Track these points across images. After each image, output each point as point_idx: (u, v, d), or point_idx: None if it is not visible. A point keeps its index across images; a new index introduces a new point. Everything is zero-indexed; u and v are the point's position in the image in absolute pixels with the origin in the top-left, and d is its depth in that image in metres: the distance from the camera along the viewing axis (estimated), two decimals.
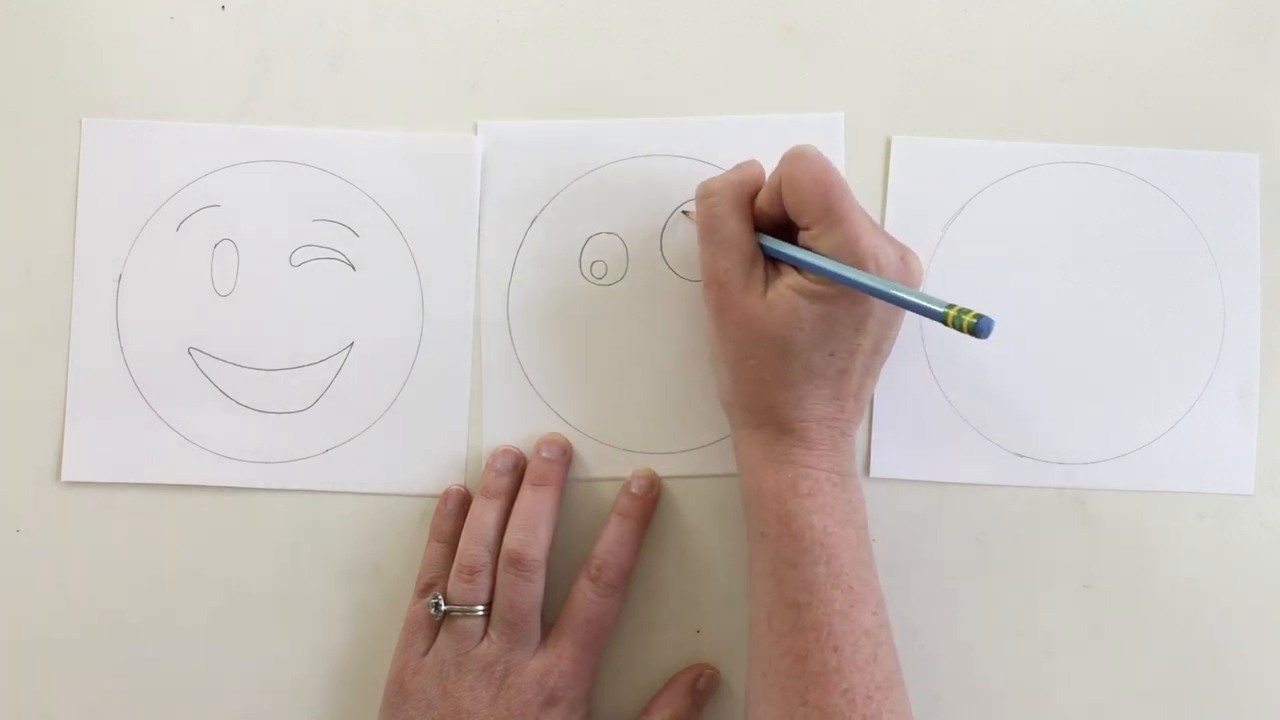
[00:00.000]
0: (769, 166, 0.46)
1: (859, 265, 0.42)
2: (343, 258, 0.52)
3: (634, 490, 0.50)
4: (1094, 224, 0.52)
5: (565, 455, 0.50)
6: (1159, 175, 0.52)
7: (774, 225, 0.46)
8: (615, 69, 0.52)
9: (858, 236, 0.42)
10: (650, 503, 0.50)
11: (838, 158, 0.51)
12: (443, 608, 0.47)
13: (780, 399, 0.44)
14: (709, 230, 0.45)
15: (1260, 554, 0.51)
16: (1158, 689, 0.51)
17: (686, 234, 0.51)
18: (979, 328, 0.38)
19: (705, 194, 0.46)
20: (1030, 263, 0.52)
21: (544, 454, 0.50)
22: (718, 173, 0.48)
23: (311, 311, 0.51)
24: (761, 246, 0.45)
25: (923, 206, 0.52)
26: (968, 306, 0.38)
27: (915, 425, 0.51)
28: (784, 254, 0.44)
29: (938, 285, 0.51)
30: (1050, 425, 0.51)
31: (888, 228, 0.51)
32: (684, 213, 0.51)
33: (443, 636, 0.47)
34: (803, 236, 0.44)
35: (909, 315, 0.46)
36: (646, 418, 0.51)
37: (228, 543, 0.51)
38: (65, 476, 0.51)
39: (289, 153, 0.52)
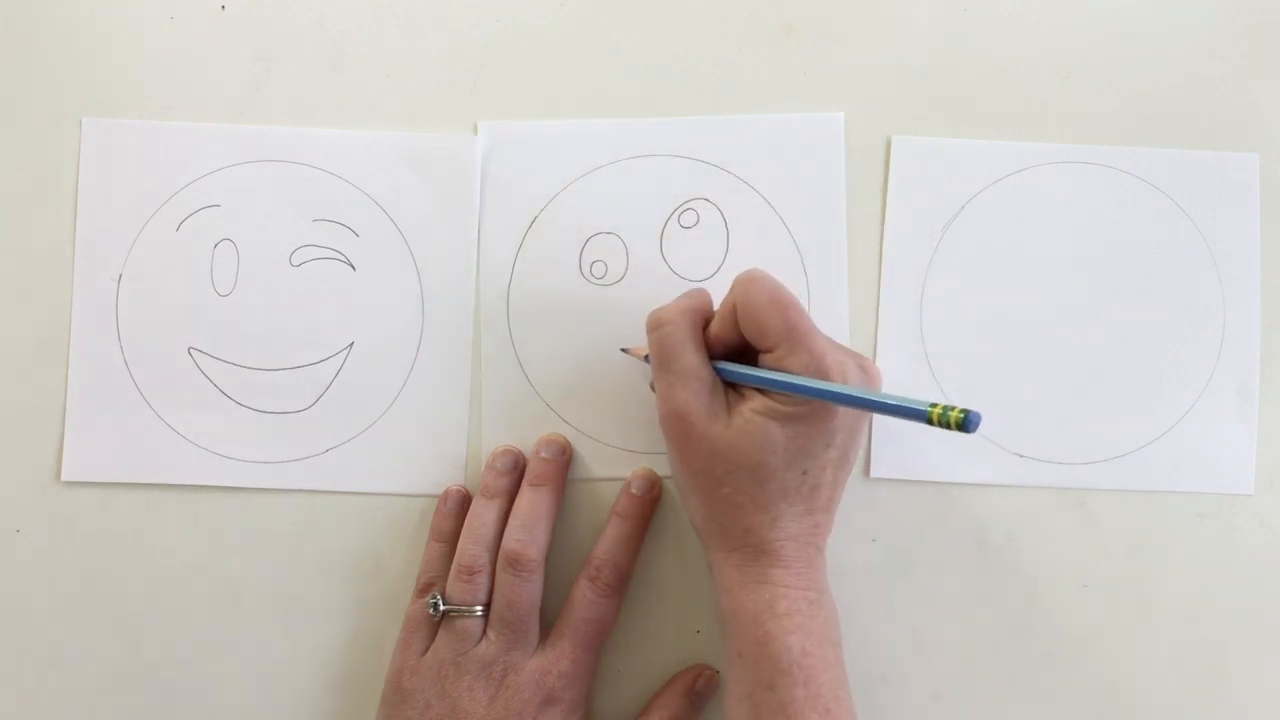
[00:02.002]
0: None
1: (826, 379, 0.42)
2: (343, 258, 0.52)
3: (634, 491, 0.50)
4: (1094, 224, 0.52)
5: (565, 455, 0.50)
6: (1159, 175, 0.52)
7: (729, 352, 0.45)
8: (615, 69, 0.52)
9: (822, 354, 0.42)
10: (650, 503, 0.50)
11: (838, 158, 0.51)
12: (442, 607, 0.47)
13: (756, 521, 0.44)
14: (663, 361, 0.45)
15: (1260, 554, 0.51)
16: (1158, 689, 0.51)
17: (683, 240, 0.51)
18: (966, 423, 0.37)
19: (657, 324, 0.45)
20: (1030, 263, 0.52)
21: (543, 454, 0.50)
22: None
23: (311, 311, 0.51)
24: (721, 373, 0.45)
25: (923, 206, 0.52)
26: (951, 404, 0.38)
27: (915, 425, 0.51)
28: (752, 377, 0.44)
29: (938, 286, 0.51)
30: (1050, 425, 0.51)
31: (888, 228, 0.51)
32: (622, 350, 0.50)
33: (441, 636, 0.47)
34: (765, 359, 0.43)
35: (875, 418, 0.46)
36: (646, 418, 0.51)
37: (228, 543, 0.51)
38: (65, 476, 0.51)
39: (289, 153, 0.52)
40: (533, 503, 0.48)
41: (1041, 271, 0.51)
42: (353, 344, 0.51)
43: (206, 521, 0.51)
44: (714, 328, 0.45)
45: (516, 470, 0.50)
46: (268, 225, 0.51)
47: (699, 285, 0.48)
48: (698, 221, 0.51)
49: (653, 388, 0.46)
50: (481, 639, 0.47)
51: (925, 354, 0.51)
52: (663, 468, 0.51)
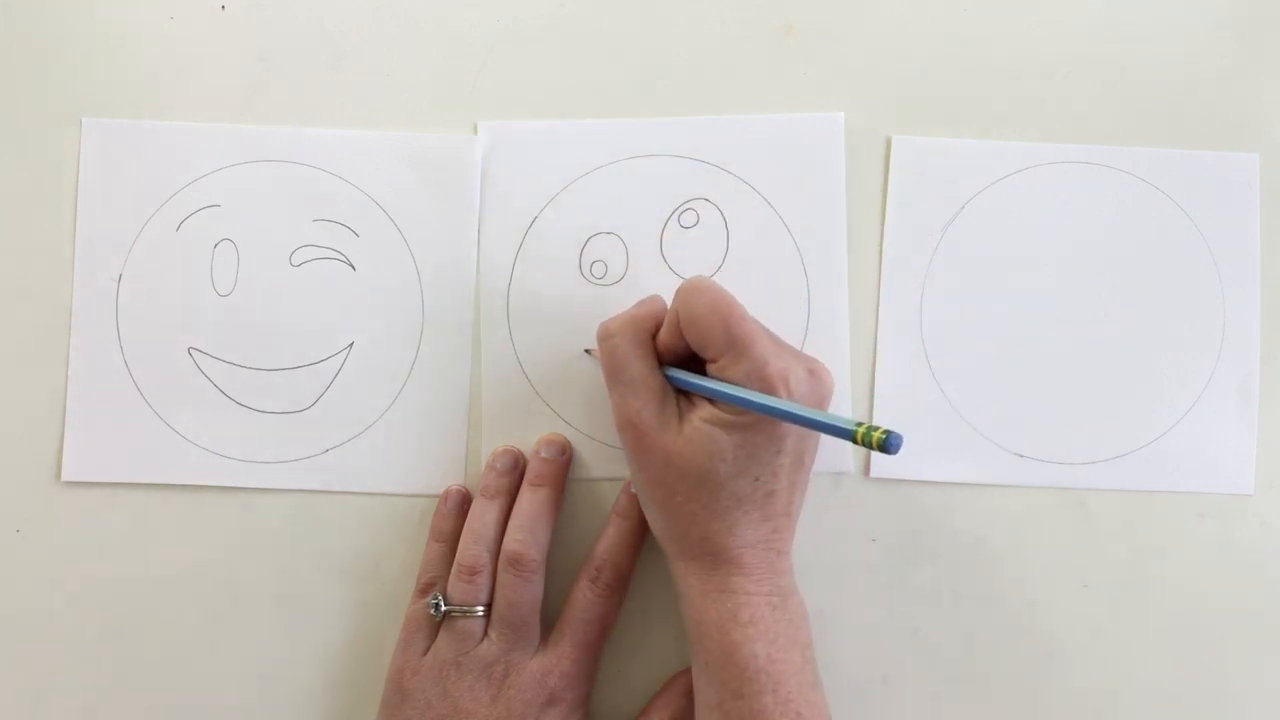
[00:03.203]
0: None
1: (770, 390, 0.42)
2: (343, 258, 0.52)
3: (634, 490, 0.50)
4: (1094, 224, 0.52)
5: (565, 455, 0.50)
6: (1158, 175, 0.52)
7: (680, 359, 0.45)
8: (615, 69, 0.52)
9: (765, 362, 0.42)
10: None
11: (838, 158, 0.51)
12: (442, 608, 0.47)
13: (712, 529, 0.44)
14: (614, 371, 0.45)
15: (1260, 554, 0.51)
16: (1158, 689, 0.51)
17: (683, 240, 0.51)
18: (888, 444, 0.37)
19: (605, 335, 0.45)
20: (1030, 262, 0.52)
21: (543, 454, 0.50)
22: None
23: (311, 311, 0.51)
24: (670, 380, 0.45)
25: (923, 207, 0.52)
26: (876, 424, 0.38)
27: (915, 425, 0.51)
28: (695, 385, 0.44)
29: (938, 286, 0.51)
30: (1050, 425, 0.51)
31: (888, 228, 0.51)
32: (586, 351, 0.51)
33: (442, 636, 0.47)
34: (710, 368, 0.43)
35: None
36: None
37: (228, 543, 0.51)
38: (65, 476, 0.51)
39: (289, 153, 0.52)
40: (533, 503, 0.48)
41: (1041, 271, 0.51)
42: (353, 344, 0.51)
43: (206, 521, 0.51)
44: (662, 336, 0.45)
45: (517, 470, 0.50)
46: (268, 225, 0.51)
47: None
48: (698, 221, 0.51)
49: None
50: (482, 639, 0.47)
51: (925, 354, 0.51)
52: None
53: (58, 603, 0.51)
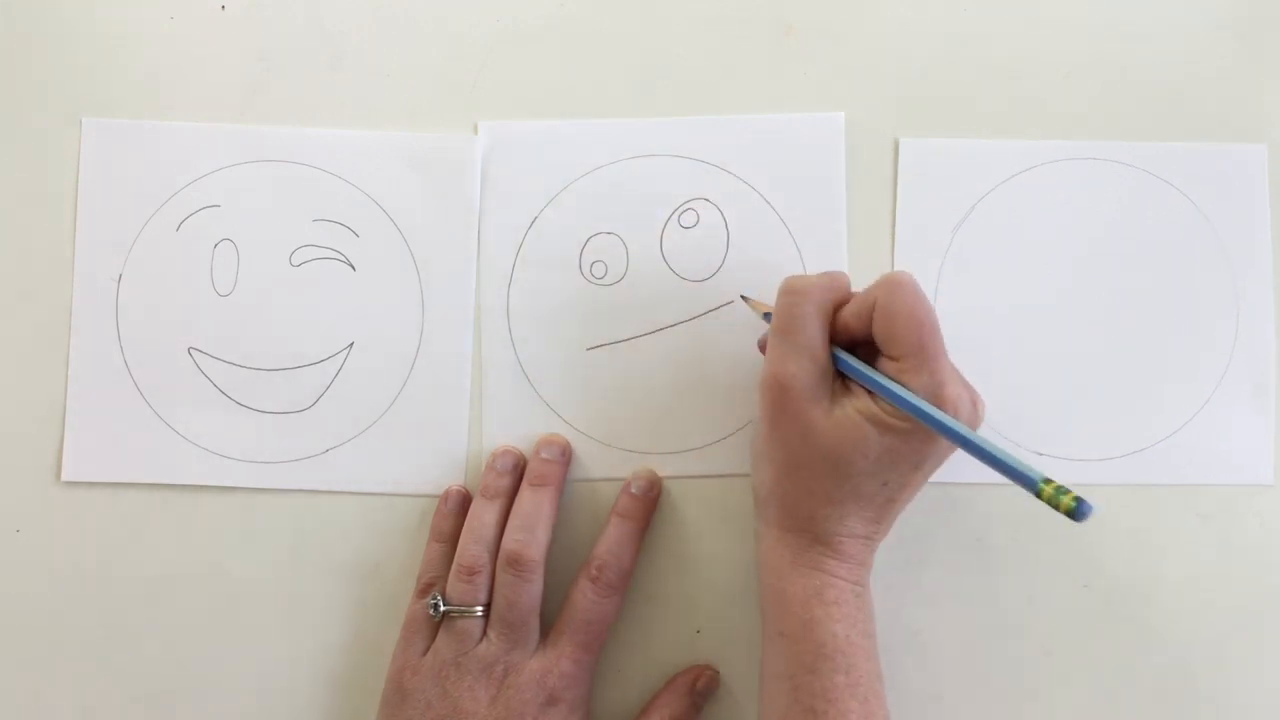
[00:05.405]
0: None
1: (940, 408, 0.41)
2: (343, 258, 0.52)
3: (634, 491, 0.50)
4: (1104, 219, 0.52)
5: (565, 455, 0.50)
6: (1167, 169, 0.52)
7: (849, 343, 0.44)
8: (615, 69, 0.52)
9: (944, 382, 0.41)
10: (650, 503, 0.50)
11: (838, 158, 0.51)
12: (442, 608, 0.47)
13: (822, 513, 0.44)
14: (785, 330, 0.44)
15: (1261, 554, 0.51)
16: (1158, 689, 0.51)
17: (683, 240, 0.51)
18: (1078, 512, 0.36)
19: (789, 290, 0.44)
20: (1042, 260, 0.51)
21: (544, 454, 0.50)
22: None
23: (311, 311, 0.51)
24: (839, 361, 0.44)
25: (933, 209, 0.51)
26: (1065, 486, 0.36)
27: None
28: (872, 380, 0.42)
29: (950, 288, 0.51)
30: (1067, 422, 0.51)
31: (899, 231, 0.51)
32: (742, 298, 0.50)
33: (442, 637, 0.47)
34: (887, 366, 0.42)
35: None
36: (646, 418, 0.51)
37: (228, 543, 0.51)
38: (65, 476, 0.51)
39: (289, 153, 0.52)
40: (533, 503, 0.48)
41: (1053, 269, 0.51)
42: (353, 344, 0.51)
43: (206, 521, 0.51)
44: (845, 316, 0.44)
45: (517, 470, 0.50)
46: (268, 225, 0.51)
47: (838, 270, 0.46)
48: (698, 221, 0.51)
49: (761, 348, 0.45)
50: (482, 639, 0.47)
51: None
52: (662, 468, 0.51)
53: (58, 603, 0.51)
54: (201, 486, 0.51)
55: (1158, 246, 0.52)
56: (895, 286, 0.42)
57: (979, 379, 0.51)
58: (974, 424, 0.44)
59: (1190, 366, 0.51)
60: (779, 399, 0.44)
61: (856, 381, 0.43)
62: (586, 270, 0.51)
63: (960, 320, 0.51)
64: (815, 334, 0.43)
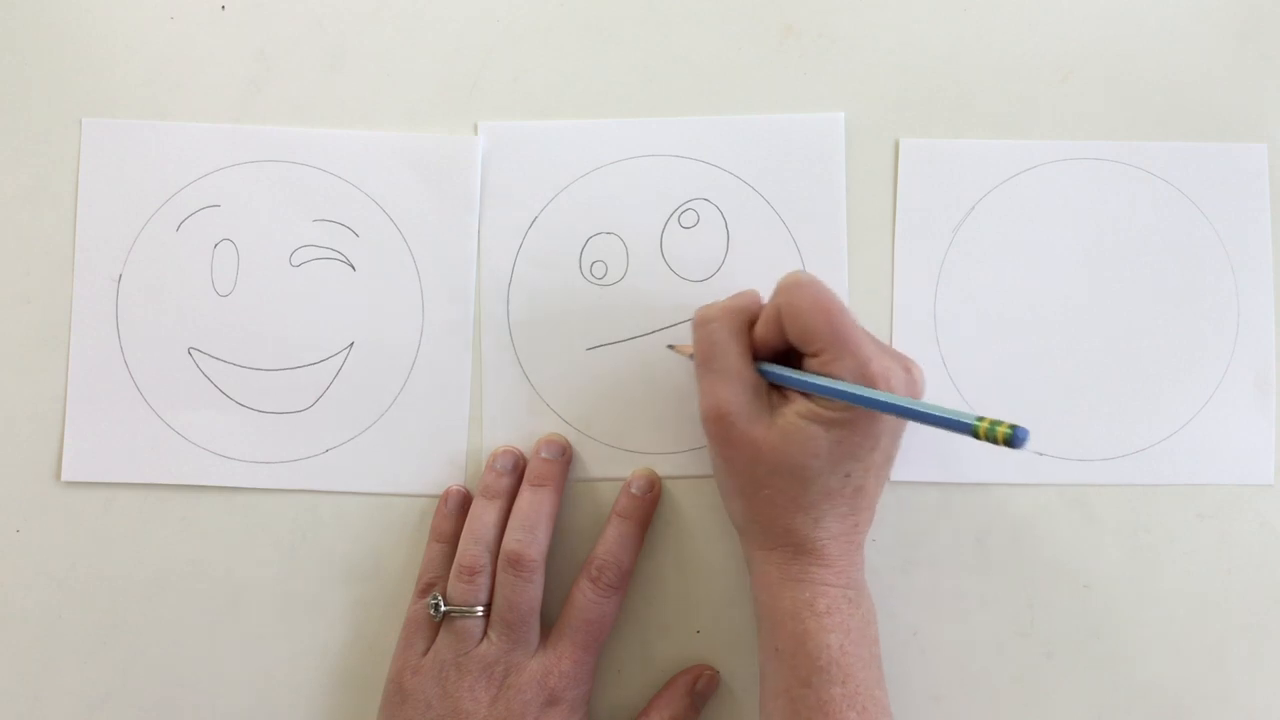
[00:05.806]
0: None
1: (872, 387, 0.41)
2: (343, 258, 0.52)
3: (634, 491, 0.50)
4: (1104, 219, 0.52)
5: (565, 455, 0.50)
6: (1167, 168, 0.52)
7: (772, 356, 0.45)
8: (615, 69, 0.52)
9: (868, 359, 0.42)
10: (650, 503, 0.50)
11: (838, 158, 0.51)
12: (442, 608, 0.47)
13: (798, 522, 0.44)
14: (707, 359, 0.44)
15: (1262, 554, 0.51)
16: (1158, 689, 0.51)
17: (683, 240, 0.51)
18: (1014, 439, 0.36)
19: (701, 322, 0.45)
20: (1041, 261, 0.51)
21: (544, 454, 0.50)
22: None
23: (311, 311, 0.51)
24: (765, 374, 0.44)
25: (933, 209, 0.51)
26: (999, 418, 0.37)
27: (915, 425, 0.51)
28: (797, 381, 0.43)
29: (950, 288, 0.51)
30: (1069, 422, 0.51)
31: (899, 231, 0.51)
32: (669, 347, 0.50)
33: (442, 637, 0.47)
34: (810, 363, 0.43)
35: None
36: (646, 418, 0.51)
37: (228, 543, 0.51)
38: (65, 476, 0.51)
39: (289, 153, 0.52)
40: (533, 503, 0.48)
41: (1054, 269, 0.51)
42: (353, 344, 0.51)
43: (206, 521, 0.51)
44: (758, 330, 0.44)
45: (517, 470, 0.50)
46: (268, 225, 0.51)
47: (749, 288, 0.47)
48: (698, 221, 0.51)
49: None
50: (482, 639, 0.47)
51: (941, 356, 0.51)
52: (662, 468, 0.51)
53: (58, 603, 0.51)
54: (201, 486, 0.51)
55: (1158, 246, 0.52)
56: (794, 286, 0.43)
57: (979, 379, 0.51)
58: (915, 391, 0.44)
59: (1190, 366, 0.51)
60: (721, 428, 0.44)
61: (790, 388, 0.44)
62: (586, 270, 0.51)
63: (960, 320, 0.51)
64: (735, 356, 0.44)
